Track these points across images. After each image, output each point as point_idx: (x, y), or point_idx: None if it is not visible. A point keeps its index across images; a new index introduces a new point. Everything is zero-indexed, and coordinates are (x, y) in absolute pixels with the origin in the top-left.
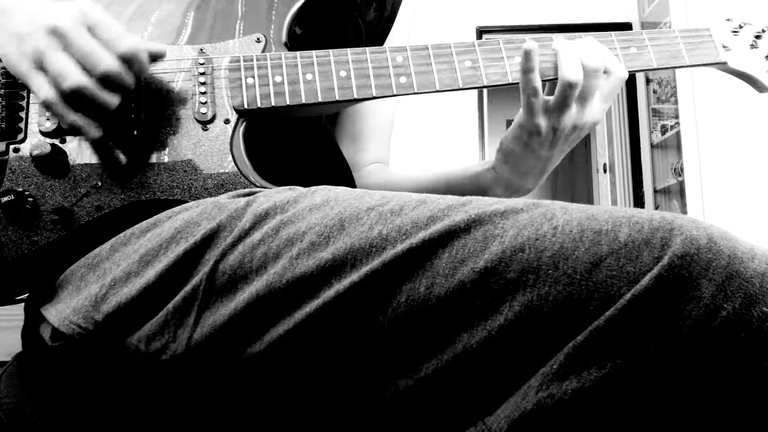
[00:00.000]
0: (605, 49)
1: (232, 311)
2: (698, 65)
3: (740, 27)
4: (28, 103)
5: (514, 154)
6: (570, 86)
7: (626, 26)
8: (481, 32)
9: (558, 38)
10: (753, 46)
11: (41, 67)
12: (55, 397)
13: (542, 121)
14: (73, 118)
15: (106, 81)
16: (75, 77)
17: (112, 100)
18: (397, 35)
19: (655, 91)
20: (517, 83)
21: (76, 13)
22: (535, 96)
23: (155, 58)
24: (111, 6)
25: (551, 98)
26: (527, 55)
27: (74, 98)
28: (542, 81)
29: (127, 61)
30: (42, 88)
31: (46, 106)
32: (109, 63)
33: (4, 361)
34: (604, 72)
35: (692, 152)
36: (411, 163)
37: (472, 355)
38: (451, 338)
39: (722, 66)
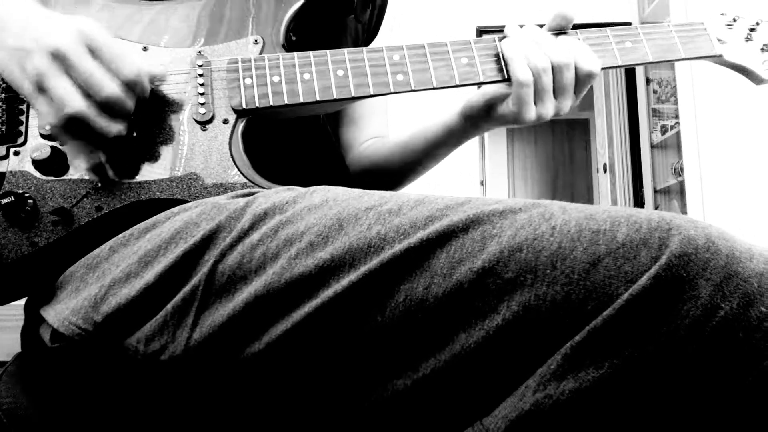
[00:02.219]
0: (573, 43)
1: (230, 312)
2: (693, 58)
3: (734, 21)
4: (28, 106)
5: (484, 128)
6: (525, 85)
7: (626, 26)
8: (481, 32)
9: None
10: (748, 39)
11: (42, 89)
12: (54, 397)
13: (532, 114)
14: (74, 144)
15: (107, 106)
16: (74, 104)
17: (111, 127)
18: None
19: (655, 91)
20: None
21: (77, 34)
22: (526, 86)
23: (154, 80)
24: (122, 29)
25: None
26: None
27: (74, 124)
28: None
29: (130, 87)
30: (49, 116)
31: (53, 132)
32: (111, 89)
33: (4, 361)
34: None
35: (692, 152)
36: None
37: (470, 356)
38: (449, 338)
39: (718, 59)
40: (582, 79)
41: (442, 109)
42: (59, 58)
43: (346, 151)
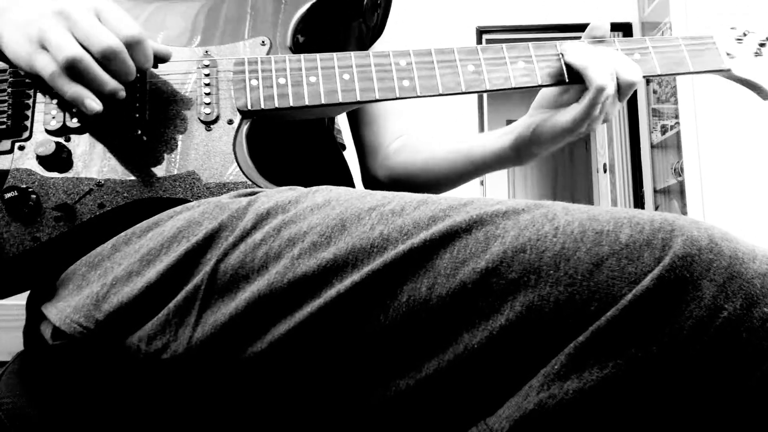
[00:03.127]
0: (624, 57)
1: (233, 310)
2: (702, 72)
3: (744, 35)
4: (34, 102)
5: (536, 154)
6: (608, 96)
7: (626, 26)
8: (481, 32)
9: (577, 45)
10: (757, 54)
11: (43, 46)
12: (55, 396)
13: (584, 129)
14: (74, 89)
15: (106, 59)
16: (71, 48)
17: (109, 82)
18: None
19: (655, 91)
20: (520, 88)
21: (86, 1)
22: (594, 120)
23: (160, 59)
24: None
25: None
26: (600, 93)
27: (72, 72)
28: (547, 85)
29: (130, 46)
30: (47, 66)
31: (51, 81)
32: (110, 41)
33: (4, 361)
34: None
35: (692, 152)
36: None
37: (474, 355)
38: (452, 338)
39: (726, 73)
40: (624, 90)
41: (491, 135)
42: (63, 16)
43: (371, 155)
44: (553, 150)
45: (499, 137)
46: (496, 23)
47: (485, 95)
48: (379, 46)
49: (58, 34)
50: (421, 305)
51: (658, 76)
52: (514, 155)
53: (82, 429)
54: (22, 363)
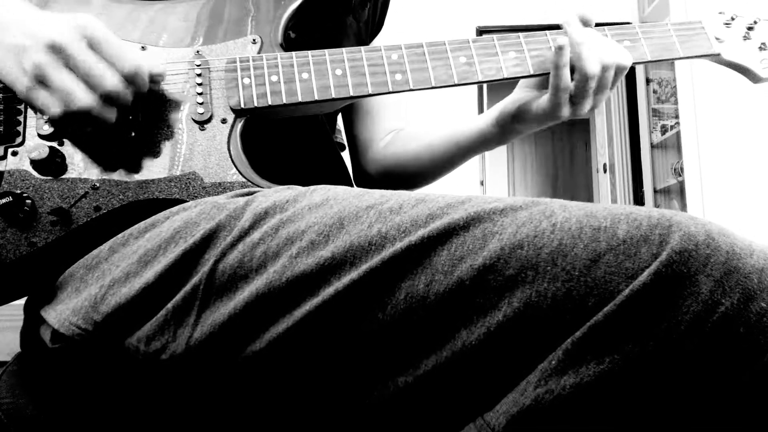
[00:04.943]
0: (613, 42)
1: (232, 310)
2: (692, 57)
3: (732, 19)
4: (26, 107)
5: (519, 132)
6: (591, 78)
7: (625, 24)
8: (481, 32)
9: (570, 29)
10: (746, 38)
11: (42, 83)
12: (55, 397)
13: (567, 112)
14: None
15: (108, 99)
16: (83, 98)
17: (112, 115)
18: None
19: (655, 91)
20: (512, 78)
21: (75, 28)
22: (565, 92)
23: (154, 80)
24: (121, 28)
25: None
26: (560, 51)
27: (78, 117)
28: (540, 74)
29: (130, 79)
30: (52, 106)
31: (56, 122)
32: (113, 82)
33: (4, 361)
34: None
35: (692, 152)
36: None
37: (471, 352)
38: (450, 335)
39: (716, 58)
40: (618, 75)
41: (474, 115)
42: (58, 51)
43: (364, 149)
44: (537, 130)
45: (483, 115)
46: (496, 23)
47: (485, 89)
48: (378, 44)
49: (62, 78)
50: (418, 302)
51: (649, 62)
52: (499, 131)
53: (81, 429)
54: (22, 363)
